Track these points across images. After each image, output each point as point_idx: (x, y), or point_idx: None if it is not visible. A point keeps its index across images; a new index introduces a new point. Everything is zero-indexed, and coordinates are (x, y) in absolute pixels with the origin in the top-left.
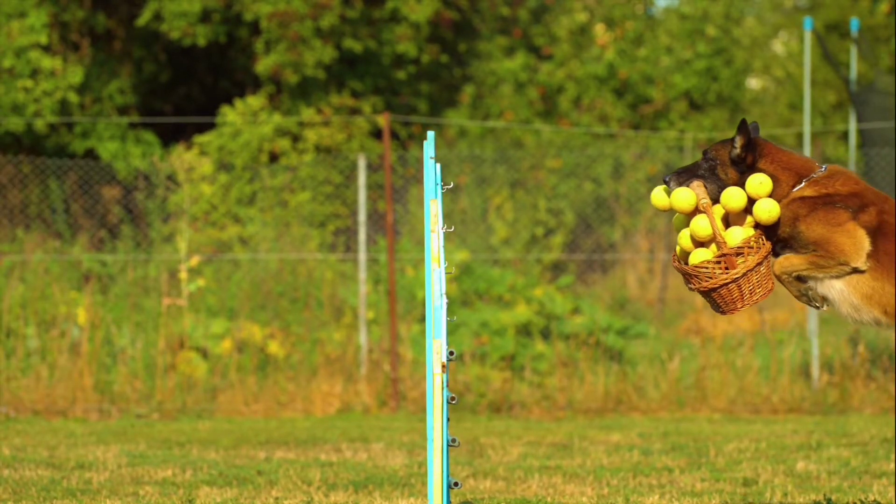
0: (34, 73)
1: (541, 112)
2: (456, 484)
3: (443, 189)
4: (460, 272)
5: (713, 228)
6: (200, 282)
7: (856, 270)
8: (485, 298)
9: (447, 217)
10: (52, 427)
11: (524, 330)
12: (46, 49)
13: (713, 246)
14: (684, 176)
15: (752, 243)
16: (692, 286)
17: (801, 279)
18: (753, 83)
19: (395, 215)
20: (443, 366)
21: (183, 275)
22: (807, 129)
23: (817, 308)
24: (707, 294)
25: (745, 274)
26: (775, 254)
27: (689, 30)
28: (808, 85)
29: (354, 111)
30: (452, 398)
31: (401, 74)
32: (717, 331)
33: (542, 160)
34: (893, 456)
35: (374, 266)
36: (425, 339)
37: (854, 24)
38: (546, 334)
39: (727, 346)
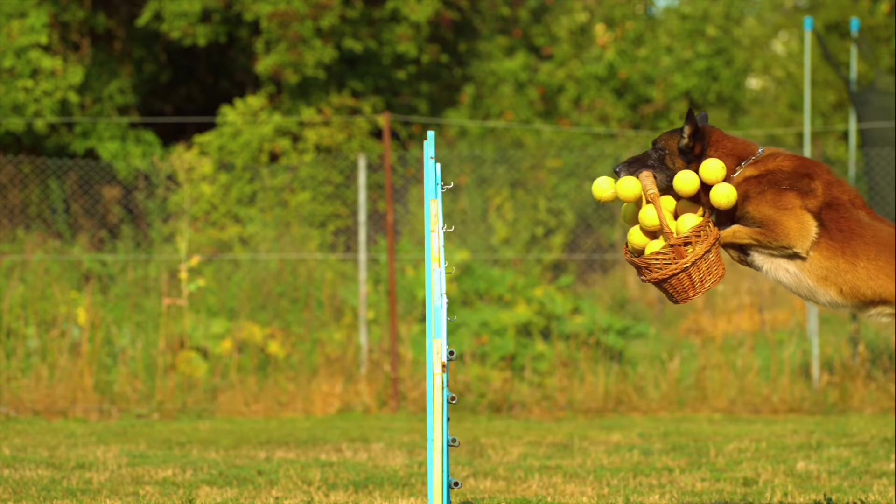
0: (34, 73)
1: (541, 112)
2: (456, 484)
3: (443, 189)
4: (460, 272)
5: (660, 219)
6: (201, 282)
7: (797, 255)
8: (485, 298)
9: (447, 217)
10: (52, 427)
11: (524, 330)
12: (47, 49)
13: (662, 237)
14: (634, 166)
15: (699, 231)
16: (644, 277)
17: (743, 251)
18: (753, 83)
19: (395, 215)
20: (443, 366)
21: (183, 275)
22: (807, 130)
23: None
24: (659, 284)
25: (694, 263)
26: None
27: (689, 30)
28: (809, 85)
29: (355, 111)
30: (453, 398)
31: (401, 74)
32: (718, 331)
33: (542, 160)
34: (894, 456)
35: (375, 266)
36: (425, 339)
37: (854, 24)
38: (546, 334)
39: (727, 347)
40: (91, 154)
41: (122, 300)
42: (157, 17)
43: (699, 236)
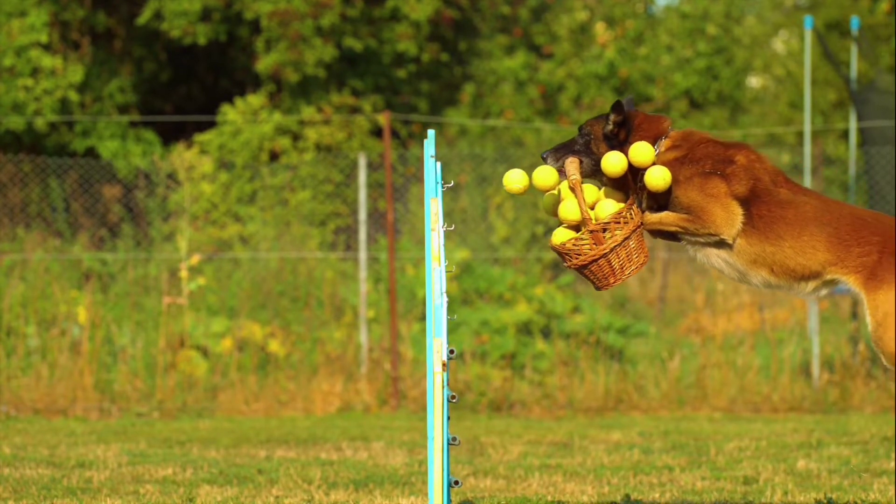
0: (34, 72)
1: (541, 111)
2: (456, 482)
3: (443, 188)
4: (461, 271)
5: (579, 205)
6: (201, 280)
7: (723, 242)
8: (485, 297)
9: (447, 216)
10: (52, 426)
11: (524, 329)
12: (47, 48)
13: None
14: (561, 152)
15: (618, 218)
16: (566, 264)
17: (674, 237)
18: (754, 82)
19: (395, 214)
20: (443, 364)
21: (183, 273)
22: (807, 128)
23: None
24: (580, 271)
25: (613, 249)
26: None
27: (689, 28)
28: (809, 83)
29: (355, 110)
30: (453, 397)
31: (401, 73)
32: (718, 330)
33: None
34: (894, 454)
35: (375, 265)
36: (426, 338)
37: (854, 22)
38: (546, 333)
39: (727, 345)
40: (91, 153)
41: (122, 299)
42: (158, 15)
43: (618, 223)
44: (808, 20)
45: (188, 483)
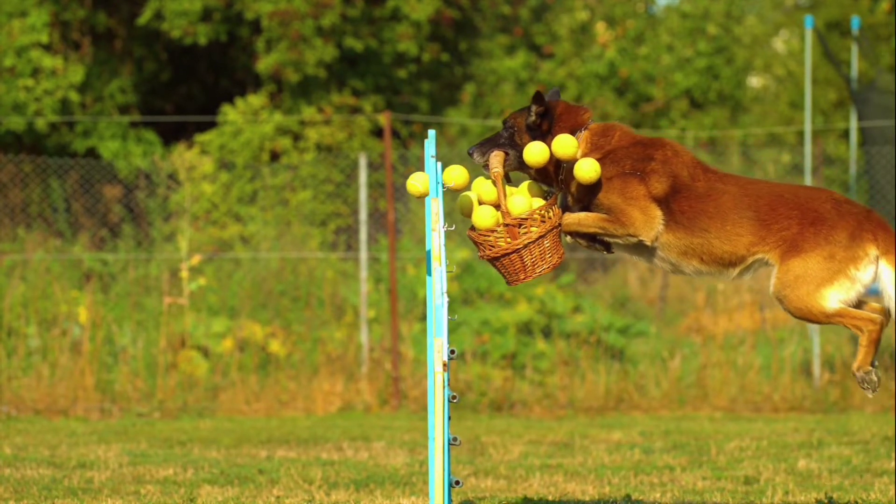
0: (35, 73)
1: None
2: (457, 482)
3: (444, 188)
4: (461, 271)
5: (499, 196)
6: (201, 281)
7: (641, 243)
8: (486, 297)
9: (448, 216)
10: (53, 426)
11: (525, 328)
12: (47, 48)
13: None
14: (486, 146)
15: (536, 215)
16: (479, 254)
17: (591, 239)
18: (754, 81)
19: (396, 214)
20: (444, 364)
21: (184, 274)
22: (808, 128)
23: (610, 253)
24: (493, 263)
25: (526, 245)
26: (568, 210)
27: (689, 28)
28: (809, 83)
29: (355, 110)
30: (454, 397)
31: (402, 73)
32: (719, 329)
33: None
34: (894, 454)
35: (376, 265)
36: (426, 338)
37: (855, 22)
38: (547, 333)
39: (728, 345)
40: (92, 153)
41: (122, 299)
42: (158, 15)
43: (535, 219)
44: (808, 20)
45: (189, 483)
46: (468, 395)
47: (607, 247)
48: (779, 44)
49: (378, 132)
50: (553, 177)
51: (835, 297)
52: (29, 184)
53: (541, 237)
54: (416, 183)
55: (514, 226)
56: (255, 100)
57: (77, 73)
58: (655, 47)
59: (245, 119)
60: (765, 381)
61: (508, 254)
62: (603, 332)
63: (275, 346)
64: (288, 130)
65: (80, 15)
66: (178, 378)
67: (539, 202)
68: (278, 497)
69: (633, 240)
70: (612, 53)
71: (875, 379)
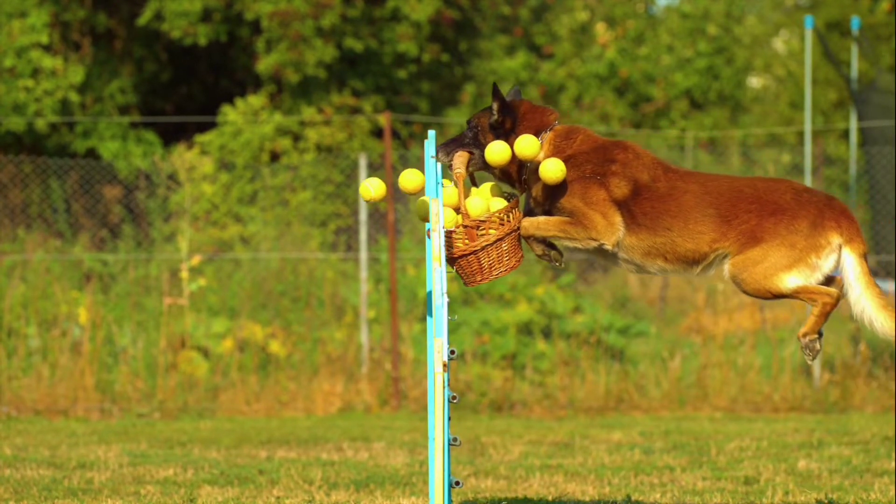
0: (35, 73)
1: None
2: (457, 483)
3: (444, 188)
4: None
5: (459, 197)
6: (202, 281)
7: (602, 247)
8: (486, 297)
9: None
10: (53, 426)
11: (525, 329)
12: (47, 48)
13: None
14: (450, 147)
15: (495, 217)
16: None
17: (548, 244)
18: (754, 81)
19: (396, 214)
20: (444, 365)
21: (184, 274)
22: (808, 128)
23: (559, 266)
24: (450, 264)
25: (484, 247)
26: (530, 213)
27: (690, 28)
28: (809, 83)
29: (355, 110)
30: (454, 397)
31: (402, 73)
32: (719, 329)
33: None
34: (894, 454)
35: (376, 265)
36: (426, 338)
37: (855, 22)
38: (547, 333)
39: (728, 345)
40: (92, 153)
41: (123, 299)
42: (158, 16)
43: (493, 221)
44: (808, 20)
45: (189, 484)
46: (468, 395)
47: (560, 257)
48: (779, 44)
49: (378, 132)
50: (516, 178)
51: (794, 281)
52: (29, 184)
53: (499, 240)
54: (370, 187)
55: (472, 227)
56: (255, 100)
57: (77, 74)
58: (655, 47)
59: (245, 119)
60: (765, 381)
61: (466, 255)
62: (603, 333)
63: (275, 347)
64: (288, 131)
65: (80, 15)
66: (178, 378)
67: (501, 203)
68: (278, 497)
69: (594, 244)
70: (612, 54)
71: (818, 348)
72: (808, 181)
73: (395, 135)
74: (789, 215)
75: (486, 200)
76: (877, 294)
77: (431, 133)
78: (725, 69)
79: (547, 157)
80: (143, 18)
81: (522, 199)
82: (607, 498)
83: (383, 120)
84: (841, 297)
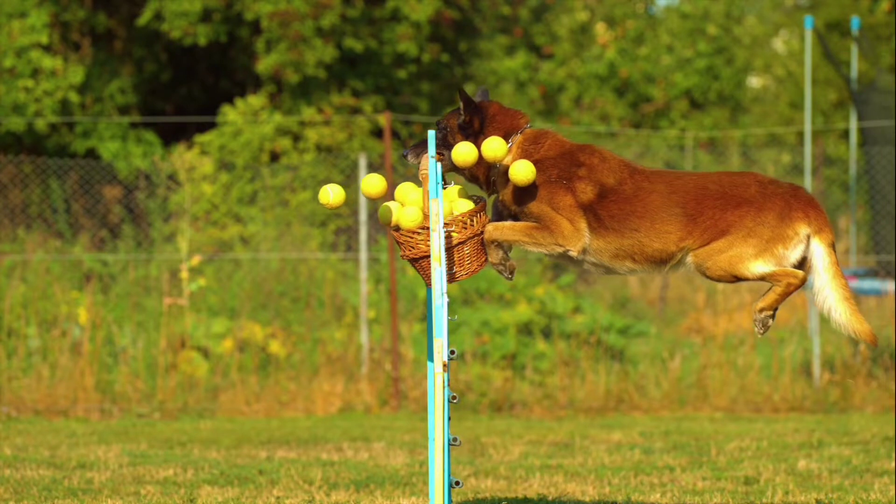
0: (35, 73)
1: (542, 111)
2: (457, 483)
3: (444, 188)
4: None
5: (424, 200)
6: (201, 281)
7: (567, 253)
8: (486, 297)
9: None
10: (53, 427)
11: (525, 329)
12: (47, 49)
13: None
14: (420, 148)
15: (458, 221)
16: (401, 253)
17: (506, 251)
18: (754, 82)
19: None
20: (444, 365)
21: (184, 274)
22: (808, 128)
23: (508, 279)
24: (412, 263)
25: (446, 249)
26: (499, 217)
27: (689, 29)
28: (809, 83)
29: (355, 110)
30: (454, 397)
31: (402, 74)
32: (719, 330)
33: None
34: (894, 454)
35: (376, 265)
36: (426, 339)
37: (855, 22)
38: (547, 333)
39: (728, 345)
40: (92, 154)
41: (123, 300)
42: (158, 16)
43: (457, 225)
44: (808, 20)
45: (189, 484)
46: (468, 395)
47: (514, 269)
48: (779, 44)
49: (378, 133)
50: (483, 180)
51: (760, 269)
52: (29, 184)
53: (461, 243)
54: (329, 192)
55: None
56: (255, 100)
57: (77, 74)
58: (655, 48)
59: (245, 120)
60: (765, 381)
61: (427, 256)
62: (603, 333)
63: (275, 347)
64: (288, 131)
65: (80, 16)
66: (178, 379)
67: (468, 205)
68: (278, 497)
69: (560, 249)
70: (612, 54)
71: (770, 324)
72: (807, 181)
73: (395, 135)
74: (756, 207)
75: (449, 203)
76: (842, 285)
77: (431, 133)
78: (725, 69)
79: (515, 160)
80: (143, 19)
81: (491, 200)
82: (607, 498)
83: (383, 120)
84: (806, 279)
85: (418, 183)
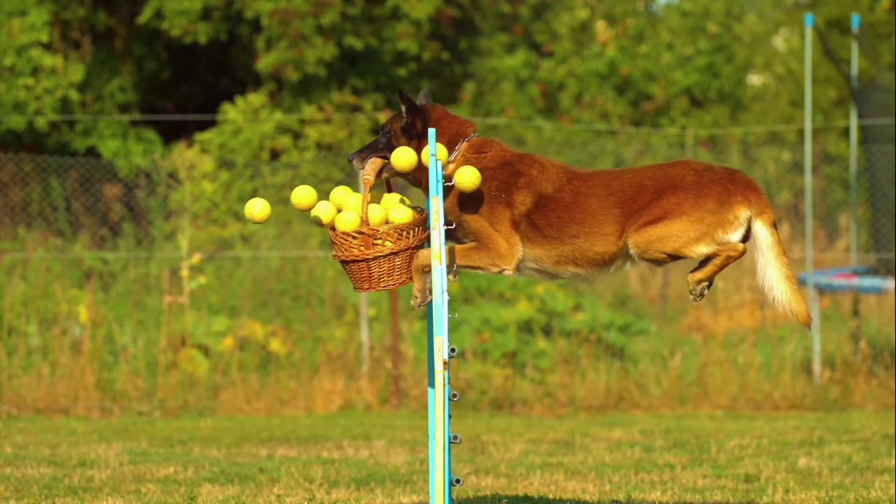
0: (35, 71)
1: (542, 109)
2: (458, 481)
3: (444, 186)
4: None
5: (363, 206)
6: (202, 279)
7: (503, 272)
8: (486, 295)
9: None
10: (53, 425)
11: (526, 327)
12: (47, 47)
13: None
14: (366, 152)
15: (393, 231)
16: (333, 253)
17: (427, 272)
18: (754, 80)
19: None
20: (444, 363)
21: (184, 272)
22: (808, 126)
23: (419, 306)
24: (343, 265)
25: (376, 258)
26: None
27: (690, 26)
28: (809, 81)
29: (355, 108)
30: (454, 395)
31: (402, 72)
32: (719, 328)
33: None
34: (895, 452)
35: None
36: (427, 337)
37: (855, 20)
38: (547, 331)
39: (729, 343)
40: (92, 152)
41: (123, 298)
42: (158, 14)
43: (392, 235)
44: (808, 18)
45: (189, 482)
46: (469, 393)
47: (425, 302)
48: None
49: (378, 131)
50: (426, 185)
51: (699, 251)
52: (29, 183)
53: (393, 253)
54: (254, 207)
55: (368, 236)
56: (256, 98)
57: (77, 72)
58: (656, 45)
59: (245, 118)
60: (765, 379)
61: (357, 261)
62: (603, 331)
63: (275, 345)
64: (288, 129)
65: (81, 14)
66: (178, 377)
67: (407, 213)
68: (279, 496)
69: (495, 270)
70: (612, 52)
71: (704, 294)
72: (807, 179)
73: None
74: (694, 194)
75: (384, 210)
76: (784, 264)
77: (431, 131)
78: (725, 67)
79: (458, 167)
80: (144, 17)
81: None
82: (608, 496)
83: (383, 118)
84: (745, 250)
85: (356, 188)
